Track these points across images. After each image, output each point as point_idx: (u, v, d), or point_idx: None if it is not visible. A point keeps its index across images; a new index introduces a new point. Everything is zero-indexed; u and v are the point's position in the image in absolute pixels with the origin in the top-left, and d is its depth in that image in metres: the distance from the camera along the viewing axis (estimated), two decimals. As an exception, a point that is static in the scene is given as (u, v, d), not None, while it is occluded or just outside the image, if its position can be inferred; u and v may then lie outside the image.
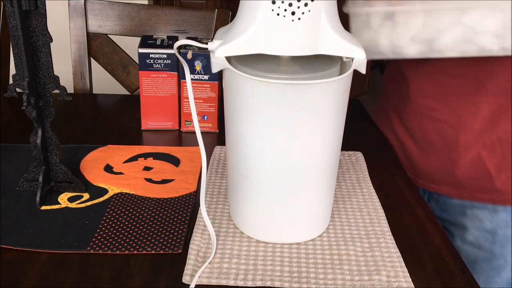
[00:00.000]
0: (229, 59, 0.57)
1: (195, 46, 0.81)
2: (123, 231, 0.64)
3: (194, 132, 0.62)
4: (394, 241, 0.64)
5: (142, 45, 0.86)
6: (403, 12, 0.64)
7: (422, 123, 0.87)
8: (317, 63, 0.58)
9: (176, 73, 0.88)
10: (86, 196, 0.71)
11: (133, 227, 0.65)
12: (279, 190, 0.60)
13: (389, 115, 0.95)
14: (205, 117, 0.90)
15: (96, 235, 0.63)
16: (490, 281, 0.88)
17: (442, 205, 0.90)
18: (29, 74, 0.63)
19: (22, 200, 0.69)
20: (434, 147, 0.86)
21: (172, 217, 0.67)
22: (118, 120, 0.96)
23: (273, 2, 0.52)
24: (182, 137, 0.91)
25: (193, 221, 0.67)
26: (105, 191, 0.73)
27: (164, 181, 0.76)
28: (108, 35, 1.17)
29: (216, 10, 1.17)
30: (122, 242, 0.62)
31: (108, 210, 0.68)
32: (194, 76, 0.86)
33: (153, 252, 0.61)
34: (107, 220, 0.66)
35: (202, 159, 0.60)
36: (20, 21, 0.61)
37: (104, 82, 1.30)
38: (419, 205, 0.73)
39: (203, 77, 0.87)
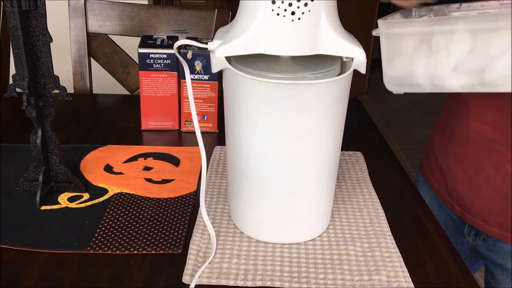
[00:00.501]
0: (229, 59, 0.57)
1: (195, 46, 0.81)
2: (123, 231, 0.64)
3: (194, 132, 0.62)
4: (394, 241, 0.64)
5: (142, 45, 0.86)
6: (442, 33, 0.50)
7: (477, 154, 0.74)
8: (317, 63, 0.58)
9: (176, 73, 0.88)
10: (86, 196, 0.71)
11: (133, 227, 0.65)
12: (279, 190, 0.60)
13: (443, 138, 0.83)
14: (205, 117, 0.90)
15: (96, 235, 0.63)
16: None
17: (490, 245, 0.78)
18: (29, 74, 0.63)
19: (22, 200, 0.69)
20: (488, 182, 0.74)
21: (172, 217, 0.67)
22: (118, 120, 0.96)
23: (273, 2, 0.52)
24: (182, 137, 0.91)
25: (193, 221, 0.67)
26: (105, 191, 0.73)
27: (164, 181, 0.76)
28: (108, 35, 1.17)
29: (216, 10, 1.17)
30: (122, 242, 0.62)
31: (108, 210, 0.68)
32: (194, 76, 0.86)
33: (153, 252, 0.61)
34: (107, 220, 0.66)
35: (202, 159, 0.60)
36: (20, 21, 0.61)
37: (104, 82, 1.30)
38: (419, 205, 0.73)
39: (203, 77, 0.87)
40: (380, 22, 0.55)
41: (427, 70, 0.53)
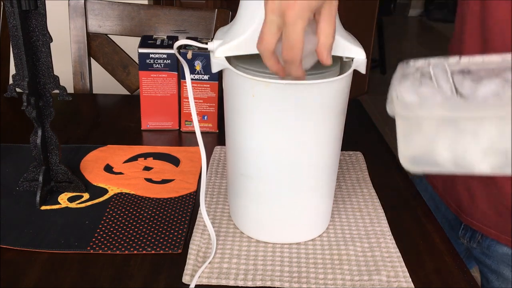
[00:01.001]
0: (229, 59, 0.57)
1: (195, 46, 0.81)
2: (123, 231, 0.64)
3: (194, 132, 0.61)
4: (394, 241, 0.64)
5: (142, 45, 0.86)
6: (471, 119, 0.46)
7: None
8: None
9: (176, 73, 0.88)
10: (86, 196, 0.71)
11: (133, 227, 0.65)
12: (279, 190, 0.60)
13: None
14: (205, 117, 0.90)
15: (96, 235, 0.63)
16: None
17: (485, 249, 0.76)
18: (29, 74, 0.63)
19: (22, 200, 0.69)
20: (481, 182, 0.72)
21: (172, 217, 0.67)
22: (118, 120, 0.96)
23: (273, 2, 0.51)
24: (182, 137, 0.91)
25: (193, 221, 0.67)
26: (105, 191, 0.73)
27: (164, 181, 0.76)
28: (108, 35, 1.17)
29: (216, 10, 1.17)
30: (122, 242, 0.62)
31: (108, 210, 0.68)
32: (194, 76, 0.86)
33: (153, 252, 0.61)
34: (107, 220, 0.66)
35: (202, 159, 0.60)
36: (20, 21, 0.61)
37: (104, 82, 1.30)
38: (419, 205, 0.73)
39: (203, 77, 0.87)
40: (396, 101, 0.49)
41: (452, 153, 0.49)
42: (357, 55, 0.56)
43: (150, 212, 0.68)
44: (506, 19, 0.63)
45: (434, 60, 0.52)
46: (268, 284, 0.57)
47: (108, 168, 0.78)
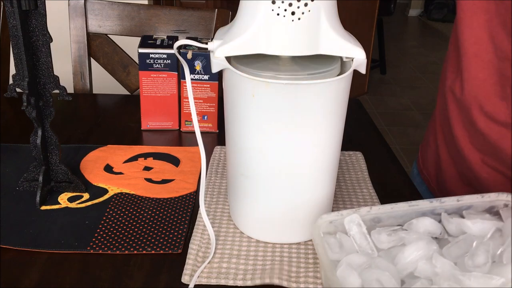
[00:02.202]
0: (229, 59, 0.57)
1: (195, 46, 0.81)
2: (123, 231, 0.64)
3: (194, 132, 0.62)
4: (394, 241, 0.64)
5: (142, 45, 0.86)
6: None
7: (469, 154, 0.72)
8: (317, 63, 0.58)
9: (176, 73, 0.88)
10: (86, 196, 0.71)
11: (133, 227, 0.65)
12: (279, 190, 0.60)
13: (435, 126, 0.81)
14: (205, 117, 0.90)
15: (96, 235, 0.63)
16: None
17: None
18: (29, 74, 0.63)
19: (22, 200, 0.69)
20: (471, 184, 0.73)
21: (172, 217, 0.67)
22: (118, 120, 0.96)
23: (273, 2, 0.52)
24: (182, 137, 0.91)
25: (193, 221, 0.67)
26: (105, 191, 0.73)
27: (164, 181, 0.76)
28: (108, 35, 1.17)
29: (216, 10, 1.18)
30: (122, 242, 0.62)
31: (108, 210, 0.68)
32: (194, 76, 0.86)
33: (153, 252, 0.61)
34: (107, 220, 0.66)
35: (202, 159, 0.60)
36: (20, 21, 0.61)
37: (104, 82, 1.30)
38: (419, 205, 0.73)
39: (203, 77, 0.87)
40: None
41: None
42: (357, 55, 0.56)
43: (150, 212, 0.68)
44: (471, 34, 0.64)
45: (347, 212, 0.56)
46: (267, 281, 0.57)
47: (108, 168, 0.78)
